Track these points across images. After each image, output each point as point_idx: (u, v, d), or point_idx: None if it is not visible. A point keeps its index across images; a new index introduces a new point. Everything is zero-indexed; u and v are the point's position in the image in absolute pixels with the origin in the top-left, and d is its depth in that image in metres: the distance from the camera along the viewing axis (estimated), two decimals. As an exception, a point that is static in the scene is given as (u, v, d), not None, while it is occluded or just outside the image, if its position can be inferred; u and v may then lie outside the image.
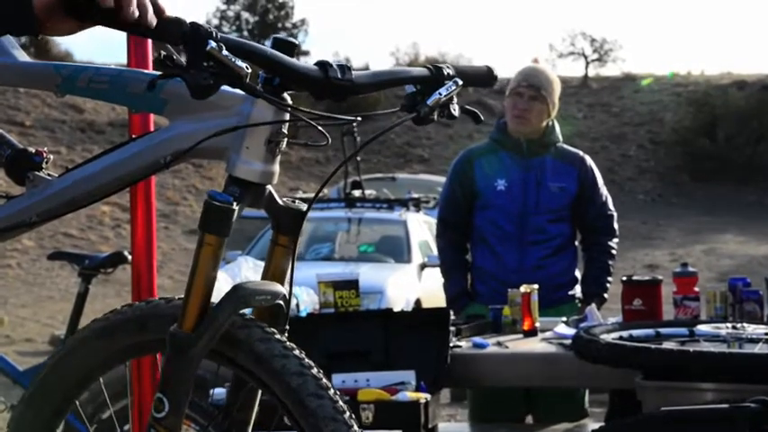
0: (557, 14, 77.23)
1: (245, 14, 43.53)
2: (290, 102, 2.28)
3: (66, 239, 22.61)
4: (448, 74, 2.44)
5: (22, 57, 2.76)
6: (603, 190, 5.36)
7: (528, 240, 5.15)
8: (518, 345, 4.19)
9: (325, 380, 2.22)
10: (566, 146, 5.38)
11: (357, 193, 13.88)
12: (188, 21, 2.08)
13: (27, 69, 2.80)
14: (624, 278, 4.48)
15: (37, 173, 2.71)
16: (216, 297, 2.26)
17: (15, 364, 4.91)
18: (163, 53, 2.10)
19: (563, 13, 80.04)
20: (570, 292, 5.23)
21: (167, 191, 26.52)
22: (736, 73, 40.69)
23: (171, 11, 2.12)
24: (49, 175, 2.71)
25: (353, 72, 2.31)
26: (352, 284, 4.38)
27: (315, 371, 2.21)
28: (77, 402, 2.62)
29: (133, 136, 2.75)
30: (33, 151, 2.77)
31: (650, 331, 3.90)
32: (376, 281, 11.23)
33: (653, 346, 3.65)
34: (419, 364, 3.83)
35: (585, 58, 42.35)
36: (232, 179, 2.30)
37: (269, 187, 2.34)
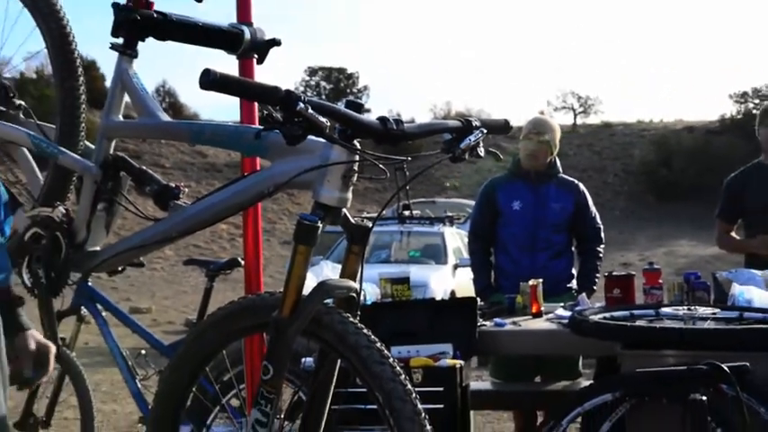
0: (552, 78, 77.17)
1: (323, 83, 43.71)
2: (358, 146, 2.29)
3: (195, 249, 22.79)
4: (475, 125, 2.44)
5: (165, 117, 2.78)
6: (593, 208, 5.32)
7: (537, 247, 5.12)
8: (528, 324, 4.16)
9: (386, 351, 2.21)
10: (565, 176, 5.35)
11: (407, 213, 13.88)
12: (283, 88, 2.09)
13: (168, 126, 2.82)
14: (606, 274, 4.44)
15: (176, 201, 2.73)
16: (305, 291, 2.27)
17: (162, 339, 4.92)
18: (266, 112, 2.12)
19: (557, 76, 79.85)
20: (568, 285, 5.19)
21: (268, 213, 26.63)
22: (687, 120, 40.33)
23: (271, 81, 2.13)
24: (184, 203, 2.72)
25: (404, 124, 2.32)
26: (404, 280, 4.37)
27: (379, 345, 2.21)
28: (207, 368, 2.63)
29: (245, 174, 2.77)
30: (173, 186, 2.78)
31: (626, 313, 3.85)
32: (422, 277, 11.19)
33: (629, 324, 3.62)
34: (455, 338, 3.81)
35: (574, 110, 42.01)
36: (317, 204, 2.30)
37: (344, 210, 2.35)
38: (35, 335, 2.34)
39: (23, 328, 2.26)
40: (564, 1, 78.11)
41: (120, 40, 2.77)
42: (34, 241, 2.89)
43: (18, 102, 3.22)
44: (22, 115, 3.22)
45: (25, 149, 3.16)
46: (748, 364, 3.14)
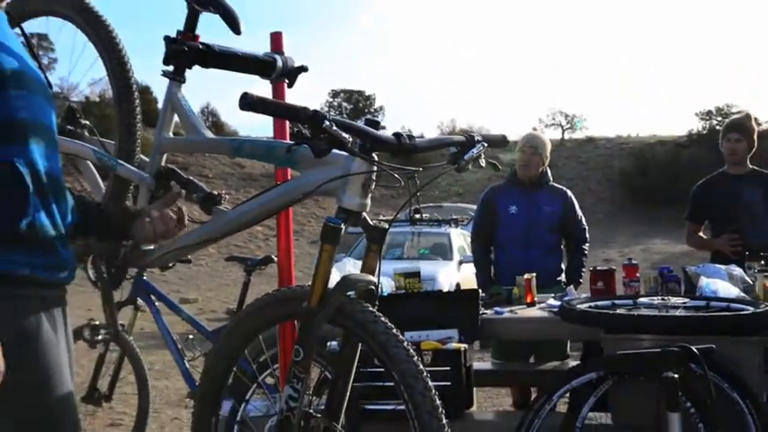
0: (543, 98, 77.46)
1: (344, 104, 43.86)
2: (376, 159, 2.28)
3: (235, 248, 22.80)
4: (477, 139, 2.44)
5: (208, 134, 2.78)
6: (579, 212, 5.30)
7: (531, 246, 5.10)
8: (523, 312, 4.14)
9: (401, 336, 2.21)
10: (555, 184, 5.35)
11: (418, 216, 13.85)
12: (311, 108, 2.09)
13: (212, 141, 2.82)
14: (591, 268, 4.41)
15: (218, 207, 2.73)
16: (331, 284, 2.27)
17: (207, 326, 4.94)
18: (296, 129, 2.12)
19: (547, 96, 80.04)
20: (558, 278, 5.15)
21: (298, 216, 26.65)
22: (660, 135, 40.19)
23: (300, 102, 2.13)
24: (225, 208, 2.73)
25: (416, 139, 2.31)
26: (415, 274, 4.36)
27: (394, 330, 2.20)
28: (246, 350, 2.63)
29: (277, 183, 2.76)
30: (216, 193, 2.78)
31: (608, 302, 3.84)
32: (431, 272, 11.18)
33: (610, 312, 3.61)
34: (460, 325, 3.79)
35: (562, 127, 42.03)
36: (340, 209, 2.30)
37: (363, 213, 2.34)
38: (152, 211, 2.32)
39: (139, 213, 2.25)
40: (553, 37, 77.98)
41: (171, 68, 2.78)
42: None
43: (84, 121, 3.23)
44: (87, 133, 3.23)
45: (90, 162, 3.17)
46: (714, 346, 3.14)
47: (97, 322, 4.85)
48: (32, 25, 3.19)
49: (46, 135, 1.99)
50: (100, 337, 4.85)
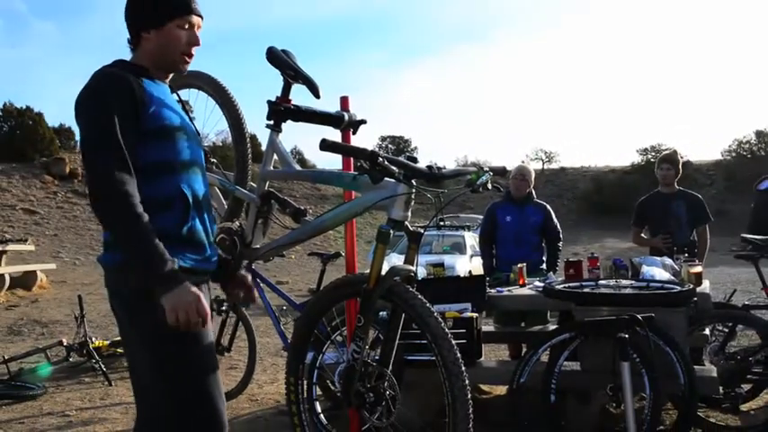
0: (528, 139, 76.96)
1: (390, 145, 43.80)
2: (414, 184, 2.27)
3: (314, 246, 22.70)
4: (485, 170, 2.41)
5: (297, 167, 2.80)
6: (555, 220, 5.25)
7: (522, 244, 5.06)
8: (517, 291, 4.10)
9: (432, 308, 2.19)
10: (538, 200, 5.31)
11: (442, 223, 13.79)
12: (369, 149, 2.09)
13: (299, 172, 2.84)
14: (564, 260, 4.36)
15: (305, 218, 2.74)
16: (383, 272, 2.26)
17: (296, 300, 4.95)
18: (359, 163, 2.12)
19: (531, 138, 79.34)
20: (541, 267, 5.09)
21: (357, 224, 26.60)
22: (611, 165, 39.44)
23: (359, 144, 2.14)
24: (309, 218, 2.73)
25: (442, 169, 2.30)
26: (440, 264, 4.34)
27: (428, 304, 2.19)
28: (323, 317, 2.63)
29: (345, 201, 2.77)
30: (303, 208, 2.79)
31: (577, 284, 3.79)
32: (451, 263, 11.13)
33: (579, 290, 3.56)
34: (472, 300, 3.77)
35: (542, 161, 41.39)
36: (389, 219, 2.29)
37: (405, 222, 2.33)
38: (245, 274, 2.36)
39: (239, 269, 2.31)
40: (540, 92, 77.28)
41: (272, 122, 2.80)
42: (221, 242, 2.93)
43: (212, 160, 3.27)
44: (214, 167, 3.27)
45: (216, 188, 3.21)
46: (653, 315, 3.12)
47: (221, 297, 4.90)
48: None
49: (199, 168, 2.07)
50: (223, 308, 4.91)
